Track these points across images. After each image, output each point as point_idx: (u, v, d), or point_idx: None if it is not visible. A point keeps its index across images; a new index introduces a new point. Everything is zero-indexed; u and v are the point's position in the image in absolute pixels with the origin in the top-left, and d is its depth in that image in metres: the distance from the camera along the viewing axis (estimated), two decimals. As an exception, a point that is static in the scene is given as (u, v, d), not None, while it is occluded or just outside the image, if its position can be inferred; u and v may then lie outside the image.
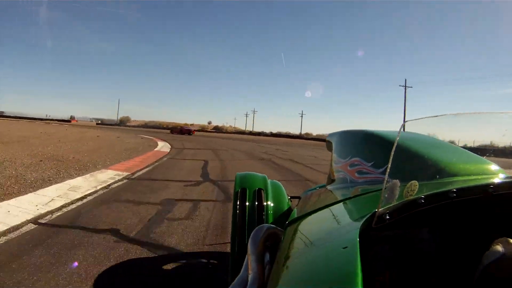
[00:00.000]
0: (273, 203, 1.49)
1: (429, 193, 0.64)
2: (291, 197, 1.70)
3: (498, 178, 0.92)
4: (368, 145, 1.39)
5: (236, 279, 0.67)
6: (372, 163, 1.24)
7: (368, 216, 0.62)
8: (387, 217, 0.59)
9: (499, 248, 0.54)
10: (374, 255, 0.69)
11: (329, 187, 1.51)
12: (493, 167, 0.99)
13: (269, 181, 1.62)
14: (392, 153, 0.68)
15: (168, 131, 41.95)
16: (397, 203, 0.61)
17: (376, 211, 0.60)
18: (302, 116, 74.46)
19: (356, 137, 1.57)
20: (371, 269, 0.67)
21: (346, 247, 0.51)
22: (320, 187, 1.89)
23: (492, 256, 0.55)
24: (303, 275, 0.52)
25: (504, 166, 0.99)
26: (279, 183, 1.72)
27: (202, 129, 71.70)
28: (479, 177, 0.93)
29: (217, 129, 78.70)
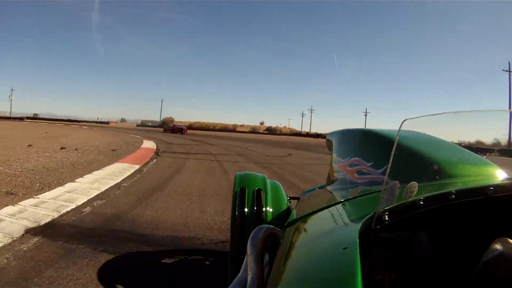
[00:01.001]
0: (272, 203, 1.49)
1: (428, 194, 0.63)
2: (291, 198, 1.69)
3: (498, 180, 0.92)
4: (368, 145, 1.39)
5: (235, 279, 0.67)
6: (371, 163, 1.23)
7: (367, 217, 0.62)
8: (387, 218, 0.59)
9: (497, 246, 0.54)
10: (374, 256, 0.68)
11: (328, 188, 1.50)
12: (493, 168, 0.98)
13: (268, 181, 1.62)
14: (392, 153, 0.67)
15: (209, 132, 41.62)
16: (397, 204, 0.61)
17: (375, 212, 0.59)
18: (366, 115, 66.86)
19: (356, 136, 1.57)
20: (370, 270, 0.66)
21: (345, 248, 0.50)
22: (319, 187, 1.89)
23: (490, 254, 0.55)
24: (303, 276, 0.51)
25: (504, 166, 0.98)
26: (278, 183, 1.71)
27: (253, 130, 69.79)
28: (479, 178, 0.93)
29: (270, 131, 76.28)
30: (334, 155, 1.63)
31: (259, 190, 1.49)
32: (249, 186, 1.51)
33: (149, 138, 18.83)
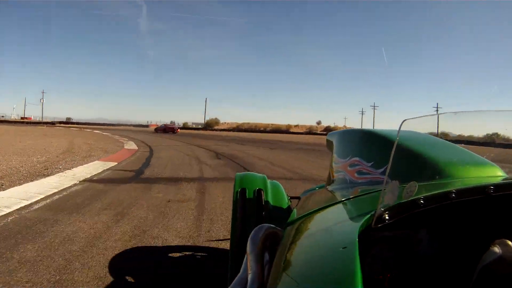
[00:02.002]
0: (272, 203, 1.49)
1: (428, 194, 0.63)
2: (291, 197, 1.70)
3: (498, 179, 0.92)
4: (368, 145, 1.39)
5: (236, 279, 0.67)
6: (371, 163, 1.24)
7: (367, 216, 0.62)
8: (387, 217, 0.59)
9: (496, 249, 0.54)
10: (374, 256, 0.68)
11: (328, 187, 1.50)
12: (493, 168, 0.99)
13: (268, 181, 1.62)
14: (392, 153, 0.67)
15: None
16: (397, 203, 0.61)
17: (375, 212, 0.60)
18: (437, 110, 57.66)
19: (356, 136, 1.57)
20: (370, 270, 0.66)
21: (345, 247, 0.50)
22: (319, 187, 1.89)
23: (489, 258, 0.55)
24: (303, 275, 0.52)
25: (503, 166, 0.99)
26: (279, 183, 1.71)
27: (310, 131, 60.77)
28: (479, 177, 0.93)
29: (328, 130, 67.51)
30: (334, 155, 1.63)
31: (259, 190, 1.49)
32: (249, 186, 1.51)
33: (139, 143, 15.30)
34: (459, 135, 1.18)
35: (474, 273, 0.57)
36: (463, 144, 1.13)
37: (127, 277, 2.21)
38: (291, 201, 1.63)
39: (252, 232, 0.73)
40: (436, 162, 1.00)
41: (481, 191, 0.64)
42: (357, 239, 0.51)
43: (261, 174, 1.69)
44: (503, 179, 0.91)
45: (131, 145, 13.62)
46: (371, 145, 1.37)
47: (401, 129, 0.71)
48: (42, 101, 75.38)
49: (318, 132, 58.11)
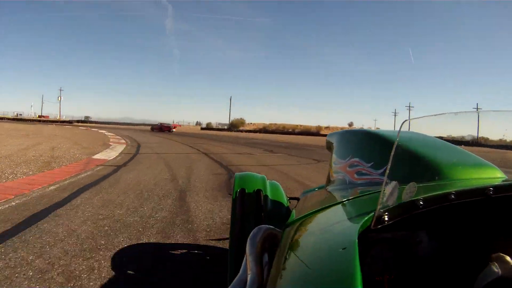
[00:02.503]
0: (272, 203, 1.49)
1: (428, 195, 0.63)
2: (290, 198, 1.70)
3: (498, 180, 0.92)
4: (368, 146, 1.39)
5: (235, 280, 0.67)
6: (371, 163, 1.24)
7: (367, 217, 0.62)
8: (386, 218, 0.59)
9: (495, 269, 0.54)
10: (373, 257, 0.68)
11: (328, 188, 1.50)
12: (493, 169, 0.99)
13: (268, 181, 1.62)
14: (392, 154, 0.67)
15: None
16: (396, 204, 0.60)
17: (375, 213, 0.59)
18: (478, 113, 59.60)
19: (356, 137, 1.57)
20: (370, 271, 0.66)
21: (344, 248, 0.50)
22: (319, 188, 1.89)
23: (488, 277, 0.54)
24: (302, 277, 0.51)
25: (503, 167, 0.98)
26: (278, 183, 1.71)
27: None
28: (479, 179, 0.93)
29: None
30: (333, 155, 1.63)
31: (258, 191, 1.49)
32: (248, 187, 1.51)
33: (130, 144, 13.12)
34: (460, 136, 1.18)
35: (472, 276, 0.57)
36: (463, 145, 1.13)
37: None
38: (290, 202, 1.63)
39: (251, 233, 0.73)
40: (436, 163, 1.00)
41: (480, 193, 0.64)
42: (356, 240, 0.51)
43: (260, 175, 1.69)
44: (503, 181, 0.91)
45: (108, 153, 9.74)
46: (371, 145, 1.37)
47: (401, 130, 0.71)
48: (59, 99, 74.76)
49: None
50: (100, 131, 27.17)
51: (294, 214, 1.01)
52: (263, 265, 0.67)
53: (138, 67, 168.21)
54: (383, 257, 0.70)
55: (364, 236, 0.59)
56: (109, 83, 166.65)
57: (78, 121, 65.20)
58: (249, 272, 0.62)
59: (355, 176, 1.30)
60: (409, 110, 65.96)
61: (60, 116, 73.52)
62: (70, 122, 60.08)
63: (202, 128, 62.92)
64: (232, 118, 71.03)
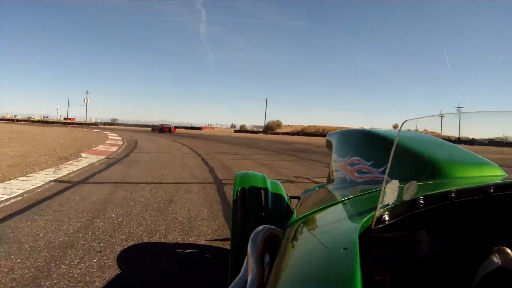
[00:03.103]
0: (272, 203, 1.49)
1: (428, 193, 0.63)
2: (291, 197, 1.70)
3: (499, 178, 0.92)
4: (368, 144, 1.39)
5: (236, 280, 0.67)
6: (371, 162, 1.23)
7: (367, 217, 0.62)
8: (387, 218, 0.59)
9: (495, 259, 0.54)
10: (374, 256, 0.68)
11: (328, 187, 1.50)
12: (493, 167, 0.99)
13: (268, 180, 1.62)
14: (392, 152, 0.67)
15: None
16: (396, 204, 0.60)
17: (375, 212, 0.59)
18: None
19: (356, 136, 1.57)
20: (370, 270, 0.66)
21: (345, 248, 0.50)
22: (319, 187, 1.89)
23: (488, 268, 0.55)
24: (303, 277, 0.51)
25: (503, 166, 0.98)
26: (279, 183, 1.71)
27: None
28: (479, 177, 0.93)
29: None
30: (334, 154, 1.63)
31: (259, 190, 1.49)
32: (249, 186, 1.51)
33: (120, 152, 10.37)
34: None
35: (473, 276, 0.57)
36: (463, 144, 1.13)
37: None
38: (291, 201, 1.63)
39: (253, 233, 0.73)
40: (436, 161, 1.00)
41: (481, 191, 0.64)
42: (357, 241, 0.51)
43: (261, 174, 1.69)
44: (503, 179, 0.91)
45: (94, 158, 8.03)
46: (371, 144, 1.37)
47: (402, 129, 0.71)
48: (86, 101, 74.77)
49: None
50: (109, 133, 25.05)
51: (295, 214, 1.01)
52: (264, 265, 0.68)
53: (171, 71, 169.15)
54: (383, 257, 0.70)
55: (365, 236, 0.59)
56: (143, 86, 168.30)
57: (104, 124, 66.06)
58: (249, 272, 0.63)
59: (356, 174, 1.30)
60: (459, 110, 63.93)
61: (86, 118, 73.41)
62: (96, 124, 61.17)
63: (235, 131, 60.61)
64: (267, 120, 69.41)
